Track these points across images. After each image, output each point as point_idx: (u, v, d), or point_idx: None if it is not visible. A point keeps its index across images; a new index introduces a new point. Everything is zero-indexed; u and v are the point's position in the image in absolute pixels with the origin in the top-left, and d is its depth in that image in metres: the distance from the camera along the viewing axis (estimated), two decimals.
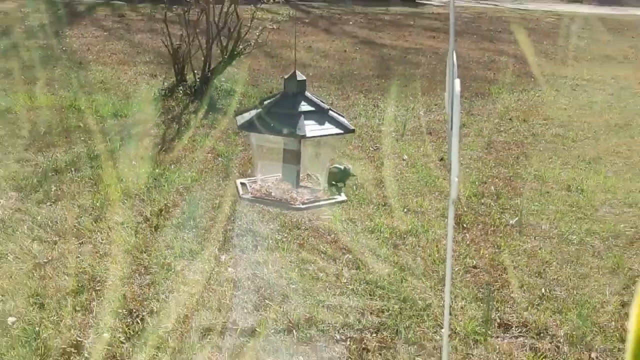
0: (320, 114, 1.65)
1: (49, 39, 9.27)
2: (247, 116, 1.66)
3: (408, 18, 13.70)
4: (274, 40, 8.52)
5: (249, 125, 1.64)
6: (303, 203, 1.70)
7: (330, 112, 1.69)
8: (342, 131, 1.65)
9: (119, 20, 11.35)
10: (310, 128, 1.60)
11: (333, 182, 1.71)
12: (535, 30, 12.93)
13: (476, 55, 10.05)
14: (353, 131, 1.70)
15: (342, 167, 1.73)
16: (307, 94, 1.67)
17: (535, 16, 15.16)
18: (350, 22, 12.76)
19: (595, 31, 13.27)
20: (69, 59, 8.20)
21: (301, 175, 1.73)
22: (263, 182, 1.78)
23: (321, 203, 1.76)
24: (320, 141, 1.72)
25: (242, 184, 1.79)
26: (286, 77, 1.67)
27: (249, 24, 6.74)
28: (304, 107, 1.64)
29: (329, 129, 1.64)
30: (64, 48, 8.79)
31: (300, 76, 1.65)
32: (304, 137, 1.60)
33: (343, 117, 1.71)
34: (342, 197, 1.75)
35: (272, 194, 1.74)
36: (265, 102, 1.67)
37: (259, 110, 1.65)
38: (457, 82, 1.32)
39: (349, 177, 1.78)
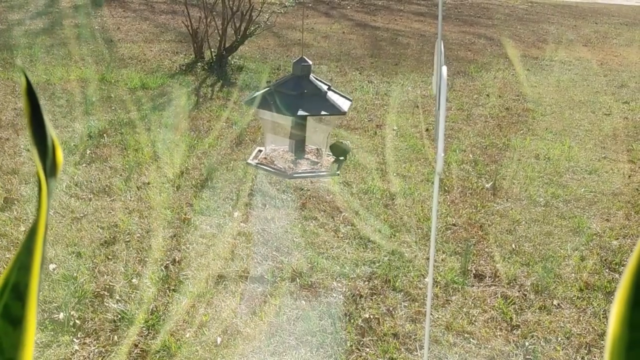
0: (330, 92, 1.57)
1: (82, 19, 9.15)
2: (281, 102, 1.48)
3: (398, 3, 13.51)
4: (281, 22, 8.41)
5: (292, 110, 1.46)
6: (296, 173, 1.62)
7: (332, 88, 1.62)
8: (350, 101, 1.58)
9: (144, 2, 11.18)
10: (339, 104, 1.49)
11: (336, 156, 1.64)
12: (511, 16, 12.77)
13: (458, 37, 9.93)
14: (351, 101, 1.63)
15: (344, 143, 1.66)
16: (311, 76, 1.58)
17: (510, 3, 14.97)
18: (348, 7, 12.59)
19: (562, 17, 13.12)
20: (101, 37, 8.09)
21: (309, 148, 1.65)
22: (274, 151, 1.72)
23: (309, 175, 1.71)
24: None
25: (260, 150, 1.72)
26: (295, 61, 1.58)
27: (259, 8, 6.66)
28: (323, 86, 1.52)
29: (345, 103, 1.54)
30: (95, 27, 8.68)
31: (306, 61, 1.57)
32: (344, 113, 1.50)
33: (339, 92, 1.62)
34: (334, 172, 1.65)
35: (275, 162, 1.66)
36: (286, 88, 1.51)
37: (291, 94, 1.47)
38: (445, 69, 1.29)
39: (348, 153, 1.71)
